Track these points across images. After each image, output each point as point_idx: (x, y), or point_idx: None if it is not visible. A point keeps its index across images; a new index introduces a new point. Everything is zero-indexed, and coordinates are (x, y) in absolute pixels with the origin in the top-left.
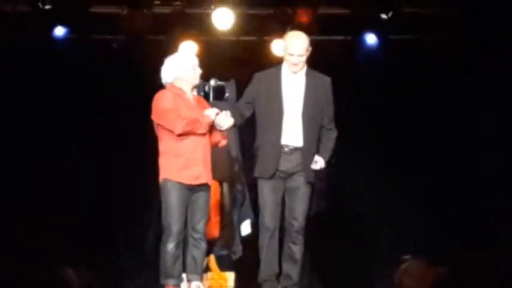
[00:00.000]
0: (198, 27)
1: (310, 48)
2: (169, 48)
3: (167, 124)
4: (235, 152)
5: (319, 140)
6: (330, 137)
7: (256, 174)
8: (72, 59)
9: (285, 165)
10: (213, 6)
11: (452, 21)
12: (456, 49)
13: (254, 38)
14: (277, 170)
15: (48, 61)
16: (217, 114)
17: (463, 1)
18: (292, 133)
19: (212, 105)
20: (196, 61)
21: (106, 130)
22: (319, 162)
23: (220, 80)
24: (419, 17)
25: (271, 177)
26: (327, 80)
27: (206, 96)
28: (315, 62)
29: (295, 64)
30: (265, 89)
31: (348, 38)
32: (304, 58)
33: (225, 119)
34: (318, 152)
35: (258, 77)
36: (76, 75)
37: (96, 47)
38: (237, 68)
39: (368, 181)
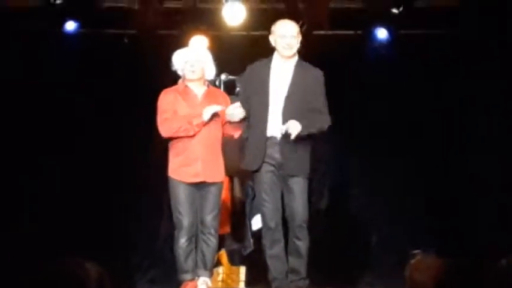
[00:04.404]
0: (209, 21)
1: (300, 37)
2: (180, 43)
3: (158, 127)
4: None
5: None
6: (317, 116)
7: (243, 166)
8: (83, 54)
9: (276, 157)
10: (224, 1)
11: (464, 15)
12: (467, 44)
13: (265, 33)
14: (266, 162)
15: (58, 56)
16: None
17: None
18: (278, 124)
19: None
20: (191, 55)
21: (116, 126)
22: (290, 125)
23: (231, 74)
24: (430, 12)
25: (269, 171)
26: (318, 72)
27: None
28: (325, 56)
29: (288, 45)
30: (255, 80)
31: (359, 32)
32: (296, 41)
33: (234, 111)
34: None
35: (250, 69)
36: (87, 69)
37: (107, 41)
38: (247, 63)
39: (377, 177)
